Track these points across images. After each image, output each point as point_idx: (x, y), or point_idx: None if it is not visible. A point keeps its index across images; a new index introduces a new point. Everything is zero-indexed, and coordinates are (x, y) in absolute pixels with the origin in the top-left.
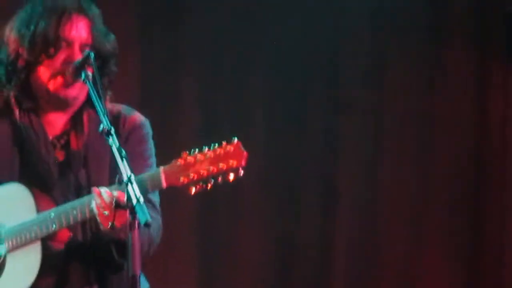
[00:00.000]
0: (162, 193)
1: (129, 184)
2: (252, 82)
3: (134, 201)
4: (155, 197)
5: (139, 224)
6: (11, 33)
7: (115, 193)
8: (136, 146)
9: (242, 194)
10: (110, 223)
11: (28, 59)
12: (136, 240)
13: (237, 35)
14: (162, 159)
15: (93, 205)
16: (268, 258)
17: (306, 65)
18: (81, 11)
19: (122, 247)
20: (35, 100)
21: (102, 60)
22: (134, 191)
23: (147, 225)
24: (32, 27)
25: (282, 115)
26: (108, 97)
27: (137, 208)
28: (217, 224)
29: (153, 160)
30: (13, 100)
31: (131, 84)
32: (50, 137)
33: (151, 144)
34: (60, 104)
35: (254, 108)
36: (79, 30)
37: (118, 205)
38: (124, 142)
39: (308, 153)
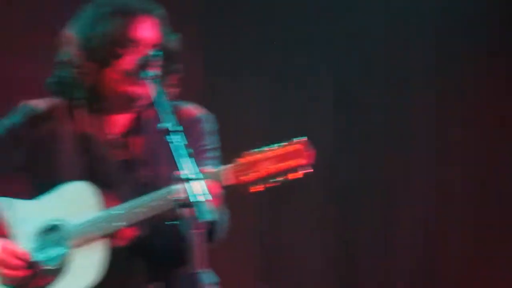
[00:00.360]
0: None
1: (192, 181)
2: (316, 82)
3: (197, 198)
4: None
5: (201, 221)
6: (74, 35)
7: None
8: (195, 140)
9: (305, 194)
10: (174, 221)
11: (95, 60)
12: (199, 238)
13: (302, 34)
14: (227, 159)
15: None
16: (329, 259)
17: (369, 66)
18: (147, 11)
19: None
20: (101, 101)
21: (167, 59)
22: (197, 188)
23: (210, 222)
24: (98, 29)
25: (346, 116)
26: (173, 95)
27: (200, 206)
28: (279, 223)
29: (214, 154)
30: (78, 102)
31: (194, 83)
32: (113, 137)
33: (211, 139)
34: (128, 102)
35: (319, 108)
36: (145, 31)
37: (182, 203)
38: (185, 136)
39: (371, 155)
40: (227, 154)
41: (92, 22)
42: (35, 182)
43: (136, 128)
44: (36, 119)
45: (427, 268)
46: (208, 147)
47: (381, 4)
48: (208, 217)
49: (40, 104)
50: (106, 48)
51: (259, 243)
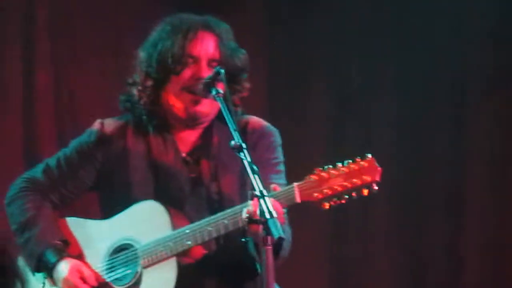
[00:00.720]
0: (295, 207)
1: (262, 198)
2: (379, 100)
3: (268, 215)
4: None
5: (272, 239)
6: (141, 54)
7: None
8: (264, 153)
9: (372, 209)
10: (243, 239)
11: (156, 77)
12: (269, 255)
13: (366, 53)
14: (290, 172)
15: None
16: (398, 272)
17: (430, 82)
18: (207, 27)
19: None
20: (166, 117)
21: (231, 75)
22: (267, 205)
23: (280, 239)
24: (159, 46)
25: (408, 131)
26: (239, 113)
27: (270, 223)
28: (348, 239)
29: (281, 168)
30: (145, 119)
31: (258, 99)
32: (183, 154)
33: (279, 153)
34: (190, 121)
35: (381, 124)
36: (205, 46)
37: (251, 220)
38: (252, 149)
39: (435, 169)
40: (290, 169)
41: (155, 40)
42: (107, 200)
43: (204, 145)
44: (108, 138)
45: (495, 275)
46: (277, 160)
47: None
48: (280, 233)
49: (111, 122)
50: (165, 65)
51: (329, 257)
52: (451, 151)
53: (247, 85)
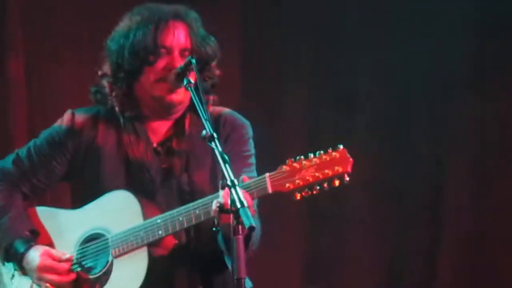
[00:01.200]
0: (270, 199)
1: (233, 188)
2: (356, 89)
3: (238, 205)
4: (254, 201)
5: (243, 229)
6: (111, 45)
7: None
8: (236, 145)
9: (347, 201)
10: (214, 228)
11: (129, 68)
12: (240, 244)
13: (343, 37)
14: (265, 165)
15: (213, 204)
16: (375, 265)
17: (409, 71)
18: (177, 17)
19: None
20: (139, 108)
21: (203, 64)
22: (238, 195)
23: (251, 229)
24: (131, 37)
25: (384, 120)
26: (211, 101)
27: (241, 213)
28: (323, 231)
29: (252, 161)
30: (117, 110)
31: (231, 88)
32: (154, 145)
33: (250, 146)
34: (165, 110)
35: (358, 114)
36: (176, 36)
37: (222, 210)
38: (224, 142)
39: (412, 159)
40: (266, 161)
41: (125, 31)
42: (78, 191)
43: (175, 135)
44: (79, 128)
45: (472, 273)
46: (248, 153)
47: None
48: (251, 222)
49: (82, 113)
50: (138, 56)
51: (303, 247)
52: (432, 142)
53: (217, 71)
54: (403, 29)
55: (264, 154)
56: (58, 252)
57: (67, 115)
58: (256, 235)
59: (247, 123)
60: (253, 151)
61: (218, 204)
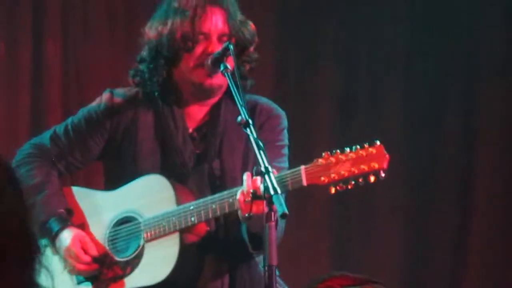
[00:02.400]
0: (295, 192)
1: (267, 175)
2: (388, 80)
3: (272, 191)
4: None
5: (276, 215)
6: (149, 32)
7: (259, 180)
8: (270, 135)
9: (376, 194)
10: (247, 214)
11: (168, 55)
12: (272, 231)
13: (374, 32)
14: (296, 156)
15: (237, 195)
16: (401, 256)
17: (442, 64)
18: (214, 2)
19: (256, 240)
20: (178, 93)
21: (240, 48)
22: (272, 182)
23: (283, 216)
24: (168, 24)
25: (418, 115)
26: (248, 86)
27: (275, 199)
28: (350, 222)
29: (285, 152)
30: (156, 94)
31: (265, 78)
32: (190, 130)
33: (285, 136)
34: (205, 94)
35: (390, 107)
36: (214, 22)
37: (255, 196)
38: (258, 131)
39: (444, 153)
40: (298, 152)
41: (163, 18)
42: (112, 171)
43: (210, 121)
44: (117, 108)
45: (502, 265)
46: (282, 143)
47: None
48: (284, 209)
49: (121, 92)
50: (176, 43)
51: (329, 233)
52: (461, 133)
53: (255, 56)
54: (436, 21)
55: (296, 142)
56: (90, 242)
57: (105, 95)
58: (280, 230)
59: (282, 113)
60: (286, 141)
61: (252, 190)
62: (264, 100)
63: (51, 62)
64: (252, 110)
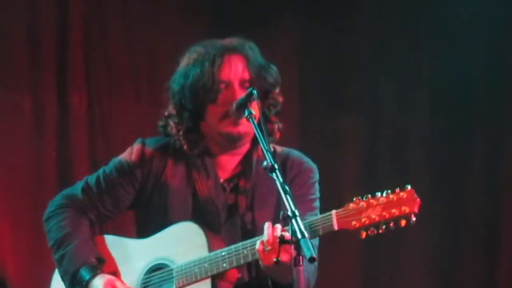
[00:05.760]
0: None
1: (294, 219)
2: (412, 122)
3: (299, 236)
4: (315, 241)
5: (303, 259)
6: (173, 86)
7: (279, 229)
8: (301, 189)
9: (405, 237)
10: (275, 259)
11: (192, 108)
12: (301, 275)
13: (398, 69)
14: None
15: (257, 245)
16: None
17: (467, 97)
18: (233, 50)
19: None
20: (206, 143)
21: (264, 92)
22: (299, 226)
23: (311, 260)
24: (189, 77)
25: (442, 155)
26: (276, 129)
27: (302, 243)
28: (379, 265)
29: (316, 205)
30: (185, 148)
31: (290, 122)
32: (221, 180)
33: (316, 189)
34: (233, 143)
35: (414, 150)
36: (234, 69)
37: (282, 240)
38: (289, 184)
39: (470, 193)
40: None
41: (184, 71)
42: (143, 220)
43: (242, 173)
44: (148, 158)
45: None
46: (313, 196)
47: None
48: (312, 253)
49: (152, 142)
50: (199, 95)
51: (358, 275)
52: (488, 174)
53: (280, 98)
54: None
55: (323, 190)
56: (121, 284)
57: (137, 145)
58: (311, 274)
59: (314, 166)
60: (317, 194)
61: (279, 234)
62: (295, 153)
63: (77, 115)
64: (284, 163)
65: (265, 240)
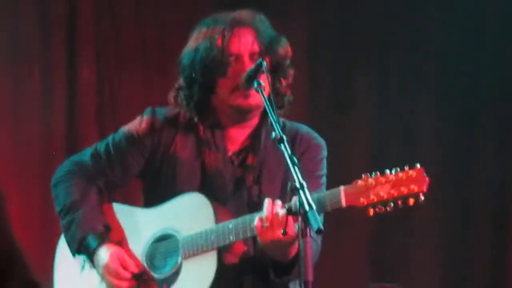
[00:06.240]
0: (332, 214)
1: (301, 190)
2: (419, 102)
3: (307, 207)
4: (320, 217)
5: (311, 230)
6: (183, 60)
7: (279, 205)
8: (309, 164)
9: (414, 216)
10: (282, 230)
11: (203, 81)
12: (308, 246)
13: (406, 51)
14: (331, 179)
15: (255, 221)
16: (439, 280)
17: (475, 88)
18: (242, 23)
19: (278, 268)
20: (217, 116)
21: (275, 64)
22: (307, 197)
23: (319, 231)
24: (199, 50)
25: (451, 134)
26: (286, 102)
27: (310, 215)
28: (388, 244)
29: (323, 181)
30: (196, 119)
31: (299, 99)
32: (230, 153)
33: (323, 166)
34: (244, 115)
35: (422, 129)
36: (243, 42)
37: (290, 212)
38: (298, 159)
39: (480, 175)
40: (332, 175)
41: (193, 46)
42: (151, 190)
43: (251, 147)
44: (158, 127)
45: None
46: (320, 173)
47: None
48: (319, 225)
49: (163, 112)
50: (209, 69)
51: (367, 248)
52: (498, 160)
53: (291, 71)
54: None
55: (331, 169)
56: (129, 258)
57: (147, 114)
58: (315, 248)
59: (323, 143)
60: (325, 171)
61: (286, 206)
62: (305, 129)
63: (86, 88)
64: (293, 138)
65: (264, 216)
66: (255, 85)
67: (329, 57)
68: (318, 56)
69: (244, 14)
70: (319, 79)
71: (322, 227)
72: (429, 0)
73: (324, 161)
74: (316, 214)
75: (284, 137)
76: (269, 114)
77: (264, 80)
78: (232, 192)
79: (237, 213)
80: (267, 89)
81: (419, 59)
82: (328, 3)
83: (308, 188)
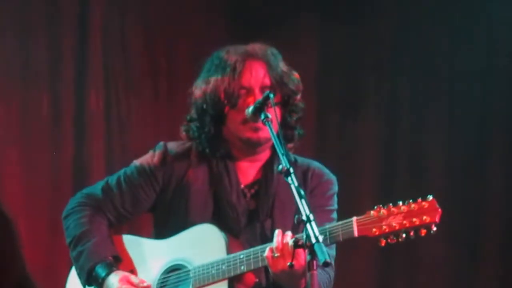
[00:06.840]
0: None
1: (308, 223)
2: (428, 129)
3: (313, 240)
4: (332, 251)
5: (317, 264)
6: (195, 91)
7: (289, 236)
8: (320, 199)
9: (421, 245)
10: (289, 263)
11: (214, 113)
12: (315, 279)
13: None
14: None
15: (266, 252)
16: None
17: (484, 111)
18: (254, 56)
19: None
20: (228, 148)
21: (285, 98)
22: (313, 230)
23: (326, 264)
24: (211, 82)
25: (460, 160)
26: (296, 136)
27: (316, 248)
28: (395, 274)
29: (334, 216)
30: (207, 151)
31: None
32: (242, 186)
33: (334, 201)
34: (253, 148)
35: (432, 154)
36: (254, 75)
37: (297, 245)
38: (308, 195)
39: (489, 203)
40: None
41: (205, 77)
42: (162, 222)
43: (263, 179)
44: (170, 160)
45: None
46: (331, 208)
47: None
48: (326, 258)
49: (175, 145)
50: (220, 100)
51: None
52: (507, 185)
53: (301, 105)
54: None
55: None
56: (137, 278)
57: (159, 147)
58: (326, 284)
59: (333, 178)
60: (336, 206)
61: (293, 239)
62: (316, 165)
63: (94, 113)
64: (304, 174)
65: (274, 247)
66: (262, 117)
67: (338, 88)
68: (326, 86)
69: (256, 47)
70: (327, 108)
71: (328, 260)
72: (438, 25)
73: (335, 197)
74: (323, 247)
75: (291, 170)
76: (276, 146)
77: (271, 113)
78: (245, 225)
79: (249, 246)
80: (274, 121)
81: (430, 86)
82: (336, 35)
83: (315, 220)
